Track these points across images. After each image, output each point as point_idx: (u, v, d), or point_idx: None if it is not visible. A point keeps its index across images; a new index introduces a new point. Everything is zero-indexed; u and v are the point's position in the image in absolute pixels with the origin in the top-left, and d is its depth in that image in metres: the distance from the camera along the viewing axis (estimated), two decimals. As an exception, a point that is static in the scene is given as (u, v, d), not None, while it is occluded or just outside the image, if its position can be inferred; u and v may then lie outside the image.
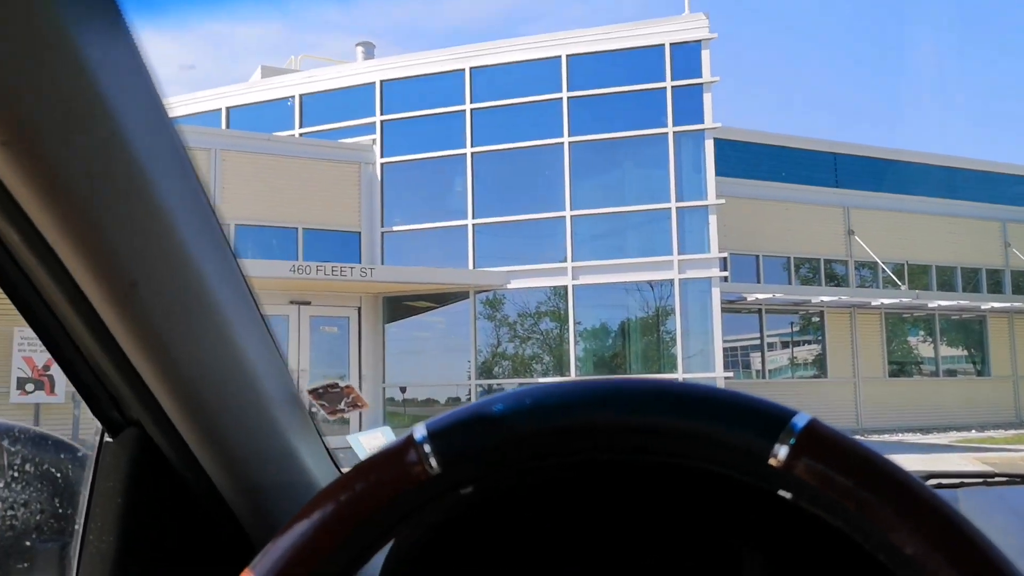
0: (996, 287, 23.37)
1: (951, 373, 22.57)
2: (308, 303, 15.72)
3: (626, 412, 0.56)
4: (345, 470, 0.60)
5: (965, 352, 23.06)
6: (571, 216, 16.07)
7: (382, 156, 17.08)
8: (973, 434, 18.78)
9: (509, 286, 16.22)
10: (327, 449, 1.10)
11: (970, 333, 22.85)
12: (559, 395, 0.58)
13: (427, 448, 0.56)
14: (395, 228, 16.97)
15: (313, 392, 1.04)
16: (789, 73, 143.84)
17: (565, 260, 16.13)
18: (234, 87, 18.86)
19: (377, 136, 17.12)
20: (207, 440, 0.86)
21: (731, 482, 0.57)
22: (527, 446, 0.57)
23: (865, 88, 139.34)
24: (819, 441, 0.53)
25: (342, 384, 1.07)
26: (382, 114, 17.16)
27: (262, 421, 0.90)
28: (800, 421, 0.53)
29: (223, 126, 18.02)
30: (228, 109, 18.42)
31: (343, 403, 1.06)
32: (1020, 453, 14.82)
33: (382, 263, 16.62)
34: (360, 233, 16.87)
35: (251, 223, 15.80)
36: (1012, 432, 19.07)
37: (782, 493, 0.54)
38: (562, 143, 16.19)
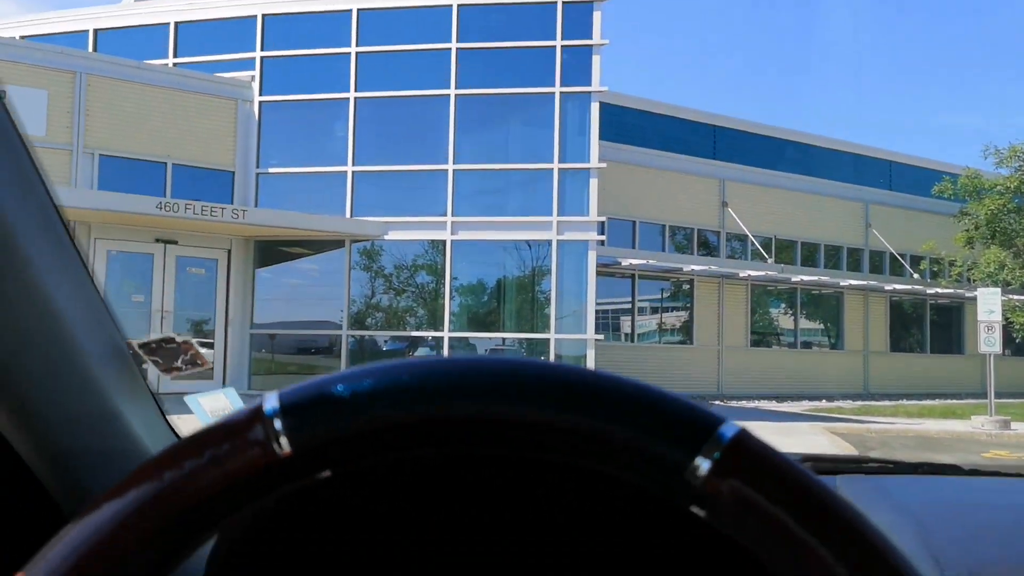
0: (855, 265, 24.57)
1: (807, 345, 23.68)
2: (175, 242, 15.04)
3: (510, 403, 0.45)
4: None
5: (822, 326, 24.22)
6: (453, 170, 15.89)
7: (261, 94, 16.41)
8: (823, 404, 19.79)
9: (386, 237, 15.96)
10: (161, 411, 0.96)
11: (827, 308, 23.99)
12: (440, 375, 0.45)
13: (278, 424, 0.44)
14: (271, 170, 16.39)
15: (145, 347, 0.89)
16: (678, 41, 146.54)
17: (445, 214, 15.97)
18: (104, 8, 17.74)
19: (256, 72, 16.42)
20: None
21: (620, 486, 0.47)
22: (397, 433, 0.45)
23: (751, 63, 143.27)
24: (748, 458, 0.44)
25: (179, 340, 0.93)
26: (263, 50, 16.47)
27: (72, 376, 0.76)
28: (728, 431, 0.44)
29: (90, 49, 16.93)
30: (96, 31, 17.33)
31: (180, 360, 0.92)
32: (865, 424, 15.69)
33: (256, 205, 16.04)
34: (234, 172, 16.22)
35: (116, 154, 14.94)
36: (859, 403, 20.20)
37: (695, 510, 0.45)
38: (448, 95, 15.93)
